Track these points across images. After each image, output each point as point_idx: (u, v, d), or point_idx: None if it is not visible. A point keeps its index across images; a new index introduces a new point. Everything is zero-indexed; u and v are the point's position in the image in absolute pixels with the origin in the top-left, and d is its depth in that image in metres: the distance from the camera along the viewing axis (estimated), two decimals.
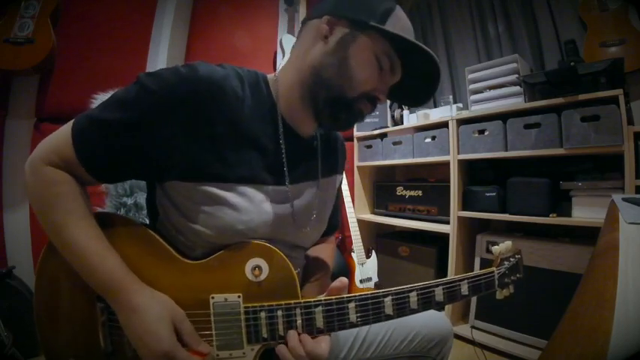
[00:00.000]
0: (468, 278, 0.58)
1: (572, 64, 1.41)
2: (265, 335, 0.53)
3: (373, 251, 2.09)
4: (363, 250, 2.02)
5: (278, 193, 0.59)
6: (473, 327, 1.60)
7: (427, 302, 0.55)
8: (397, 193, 2.12)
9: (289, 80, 0.59)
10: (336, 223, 0.84)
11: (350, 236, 2.05)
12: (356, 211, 2.20)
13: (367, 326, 0.74)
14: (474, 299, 1.62)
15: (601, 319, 0.31)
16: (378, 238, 2.25)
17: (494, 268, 0.62)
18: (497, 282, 0.61)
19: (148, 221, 0.68)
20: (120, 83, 0.87)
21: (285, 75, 0.60)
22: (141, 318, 0.48)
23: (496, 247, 0.65)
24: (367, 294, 0.54)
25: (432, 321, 0.76)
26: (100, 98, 0.85)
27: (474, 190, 1.68)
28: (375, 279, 2.03)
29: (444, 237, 1.74)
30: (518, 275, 0.64)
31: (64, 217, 0.51)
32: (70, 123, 0.53)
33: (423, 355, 0.74)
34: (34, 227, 1.48)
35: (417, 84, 0.61)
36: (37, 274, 0.55)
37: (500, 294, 0.63)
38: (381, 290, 0.55)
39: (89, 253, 0.50)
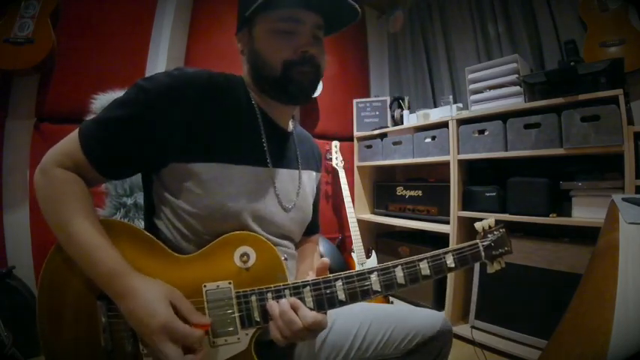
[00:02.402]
0: (452, 251, 0.61)
1: (572, 64, 1.41)
2: (258, 319, 0.55)
3: (373, 251, 2.09)
4: (363, 250, 2.02)
5: (261, 173, 0.65)
6: (473, 327, 1.60)
7: (414, 276, 0.58)
8: (397, 193, 2.12)
9: (248, 82, 0.68)
10: (317, 224, 0.87)
11: (350, 236, 2.04)
12: (356, 211, 2.20)
13: (367, 325, 0.74)
14: (474, 299, 1.62)
15: (601, 319, 0.31)
16: (378, 238, 2.25)
17: (477, 240, 0.65)
18: (483, 254, 0.64)
19: (144, 221, 0.70)
20: (120, 83, 0.87)
21: (246, 77, 0.69)
22: (139, 300, 0.50)
23: (478, 222, 0.67)
24: (352, 272, 0.57)
25: (432, 321, 0.76)
26: (100, 98, 0.86)
27: (473, 190, 1.68)
28: None
29: (444, 237, 1.74)
30: (506, 248, 0.66)
31: (71, 214, 0.54)
32: (77, 129, 0.58)
33: (422, 355, 0.74)
34: (34, 227, 1.48)
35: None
36: (41, 277, 0.56)
37: (491, 268, 0.66)
38: (366, 268, 0.58)
39: (93, 247, 0.53)
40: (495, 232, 0.67)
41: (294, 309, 0.54)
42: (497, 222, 0.68)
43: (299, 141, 0.77)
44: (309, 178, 0.79)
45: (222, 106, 0.62)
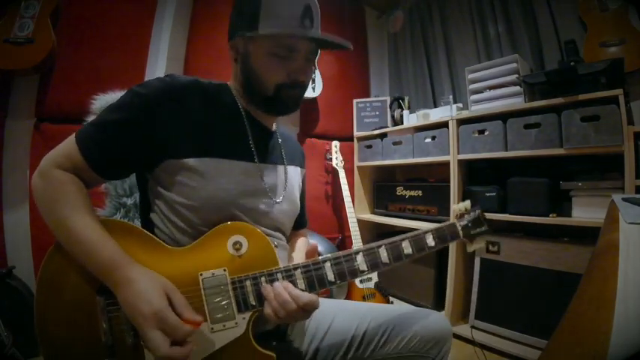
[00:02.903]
0: (431, 230, 0.67)
1: (572, 64, 1.42)
2: (253, 302, 0.58)
3: None
4: None
5: (249, 168, 0.68)
6: (473, 327, 1.60)
7: (397, 255, 0.64)
8: (397, 193, 2.12)
9: (236, 87, 0.72)
10: (304, 218, 0.92)
11: (350, 236, 2.04)
12: (356, 211, 2.20)
13: (366, 325, 0.74)
14: (474, 299, 1.62)
15: (601, 319, 0.31)
16: (378, 238, 2.23)
17: (455, 220, 0.71)
18: (461, 232, 0.70)
19: (140, 218, 0.72)
20: (120, 84, 0.87)
21: (233, 84, 0.73)
22: (135, 288, 0.52)
23: (455, 205, 0.73)
24: (339, 253, 0.62)
25: (431, 321, 0.76)
26: (100, 99, 0.86)
27: (473, 190, 1.68)
28: (375, 279, 2.03)
29: None
30: (483, 228, 0.72)
31: (70, 211, 0.56)
32: (74, 133, 0.61)
33: (422, 355, 0.74)
34: (34, 227, 1.48)
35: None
36: (39, 276, 0.57)
37: (470, 246, 0.72)
38: (352, 249, 0.62)
39: (92, 241, 0.55)
40: (472, 213, 0.72)
41: (288, 290, 0.56)
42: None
43: (283, 139, 0.81)
44: (295, 173, 0.83)
45: (213, 107, 0.66)
